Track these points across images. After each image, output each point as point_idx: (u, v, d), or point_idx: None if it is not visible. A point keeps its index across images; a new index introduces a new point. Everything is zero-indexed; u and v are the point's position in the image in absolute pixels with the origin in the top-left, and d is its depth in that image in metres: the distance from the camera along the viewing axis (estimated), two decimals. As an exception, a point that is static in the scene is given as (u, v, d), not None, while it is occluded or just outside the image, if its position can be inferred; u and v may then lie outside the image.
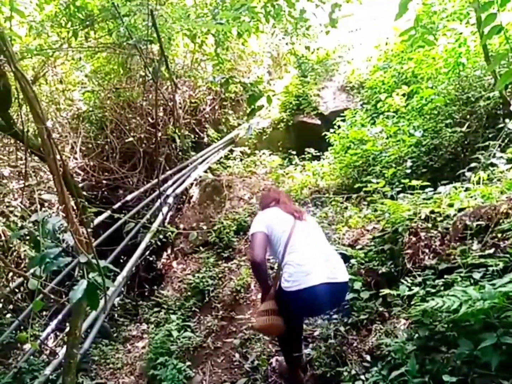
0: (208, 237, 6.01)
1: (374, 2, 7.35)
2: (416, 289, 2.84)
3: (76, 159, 6.48)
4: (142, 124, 7.33)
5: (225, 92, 6.03)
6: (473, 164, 3.59)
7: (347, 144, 5.23)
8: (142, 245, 5.82)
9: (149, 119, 7.50)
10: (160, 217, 6.28)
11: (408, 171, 3.99)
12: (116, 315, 5.68)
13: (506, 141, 3.62)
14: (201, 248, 5.94)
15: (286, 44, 8.16)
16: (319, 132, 6.57)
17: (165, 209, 6.45)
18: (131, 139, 6.65)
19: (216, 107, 8.20)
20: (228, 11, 4.54)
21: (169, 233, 6.47)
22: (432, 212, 3.16)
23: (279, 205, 2.89)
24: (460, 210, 2.96)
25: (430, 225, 3.10)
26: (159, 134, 7.39)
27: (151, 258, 6.57)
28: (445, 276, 2.82)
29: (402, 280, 2.98)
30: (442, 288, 2.76)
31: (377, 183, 3.87)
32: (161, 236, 6.36)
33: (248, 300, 4.42)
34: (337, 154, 5.40)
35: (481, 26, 2.01)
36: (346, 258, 3.33)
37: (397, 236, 3.26)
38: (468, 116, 3.92)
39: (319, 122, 6.96)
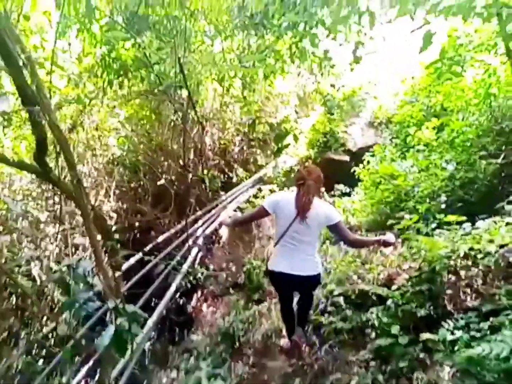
0: (238, 278, 5.91)
1: (398, 37, 7.44)
2: (459, 333, 2.64)
3: (110, 202, 6.66)
4: (174, 167, 7.52)
5: (252, 133, 6.12)
6: (511, 197, 3.40)
7: (378, 180, 5.12)
8: (172, 288, 5.78)
9: (180, 161, 7.70)
10: (190, 259, 6.27)
11: (443, 206, 3.82)
12: (146, 361, 5.58)
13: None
14: (231, 290, 5.84)
15: (312, 83, 8.32)
16: (348, 169, 6.50)
17: (194, 250, 6.44)
18: (163, 181, 6.79)
19: (245, 148, 8.33)
20: (254, 54, 4.70)
21: (199, 274, 6.47)
22: (471, 249, 2.98)
23: (300, 190, 3.06)
24: (501, 246, 2.77)
25: (470, 263, 2.91)
26: (190, 175, 7.54)
27: (181, 301, 6.50)
28: (491, 319, 2.61)
29: (443, 324, 2.78)
30: (488, 332, 2.55)
31: (410, 219, 3.72)
32: (191, 278, 6.32)
33: (280, 346, 4.23)
34: (368, 190, 5.28)
35: None
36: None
37: (435, 275, 3.07)
38: (503, 147, 3.77)
39: (347, 158, 6.90)
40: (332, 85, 6.28)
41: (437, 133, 4.81)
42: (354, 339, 3.51)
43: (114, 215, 7.00)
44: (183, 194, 7.53)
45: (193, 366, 4.67)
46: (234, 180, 8.04)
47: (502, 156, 3.62)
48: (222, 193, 7.60)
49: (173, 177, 7.44)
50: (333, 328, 3.63)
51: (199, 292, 6.55)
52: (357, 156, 6.64)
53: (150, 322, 5.19)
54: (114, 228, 6.83)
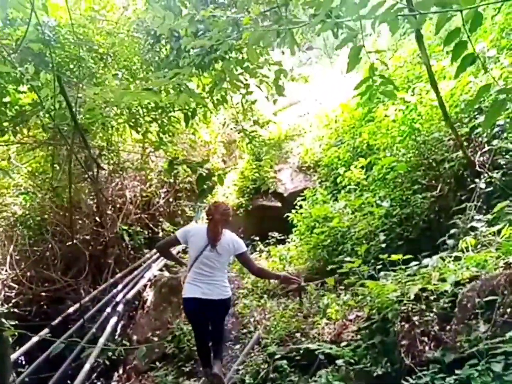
0: (166, 348, 5.11)
1: (320, 86, 7.63)
2: (424, 394, 2.21)
3: (7, 270, 5.61)
4: (88, 225, 6.69)
5: (167, 177, 5.52)
6: (452, 230, 3.22)
7: (312, 224, 4.83)
8: (86, 368, 4.80)
9: (96, 218, 6.90)
10: (108, 330, 5.36)
11: (383, 245, 3.56)
12: None
13: (480, 202, 3.32)
14: (157, 363, 4.99)
15: (238, 132, 8.16)
16: (280, 214, 6.19)
17: (113, 320, 5.55)
18: (74, 241, 5.93)
19: (171, 199, 7.76)
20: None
21: (119, 349, 5.54)
22: (423, 290, 2.66)
23: (210, 223, 3.38)
24: (456, 284, 2.48)
25: (423, 307, 2.57)
26: (107, 233, 6.74)
27: (99, 383, 5.47)
28: (456, 372, 2.23)
29: (404, 383, 2.35)
30: (456, 389, 2.16)
31: (352, 262, 3.38)
32: (109, 354, 5.38)
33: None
34: (303, 236, 4.95)
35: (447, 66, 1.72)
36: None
37: (387, 324, 2.69)
38: (434, 181, 3.68)
39: (279, 204, 6.63)
40: (256, 122, 6.05)
41: (366, 172, 4.71)
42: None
43: (15, 285, 5.91)
44: (99, 255, 6.67)
45: None
46: (161, 234, 7.35)
47: (437, 190, 3.50)
48: (146, 250, 6.85)
49: (87, 237, 6.59)
50: (278, 400, 3.06)
51: (121, 370, 5.58)
52: (288, 201, 6.39)
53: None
54: (14, 301, 5.74)
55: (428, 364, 2.42)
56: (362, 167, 4.70)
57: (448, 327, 2.47)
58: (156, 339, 5.35)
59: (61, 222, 6.49)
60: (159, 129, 4.40)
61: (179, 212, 7.73)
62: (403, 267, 2.87)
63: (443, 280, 2.57)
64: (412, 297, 2.68)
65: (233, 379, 3.87)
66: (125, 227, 6.62)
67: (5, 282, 5.67)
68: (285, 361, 3.34)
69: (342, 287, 3.84)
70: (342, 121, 5.96)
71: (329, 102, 7.29)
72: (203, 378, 3.87)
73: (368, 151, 4.96)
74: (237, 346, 4.38)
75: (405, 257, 2.85)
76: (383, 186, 4.07)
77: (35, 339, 5.17)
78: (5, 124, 4.40)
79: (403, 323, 2.66)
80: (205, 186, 3.30)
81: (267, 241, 6.24)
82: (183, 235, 3.41)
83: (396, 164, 3.86)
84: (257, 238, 6.42)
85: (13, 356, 5.03)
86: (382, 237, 3.56)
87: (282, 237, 6.09)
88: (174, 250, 3.96)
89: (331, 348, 2.87)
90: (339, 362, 2.84)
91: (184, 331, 5.04)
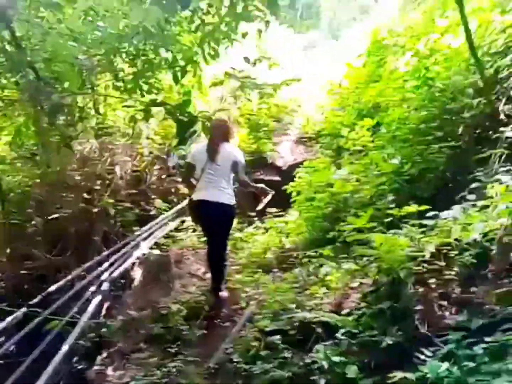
0: (153, 329, 4.67)
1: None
2: (444, 366, 1.75)
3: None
4: (74, 200, 6.25)
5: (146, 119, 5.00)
6: (474, 185, 2.74)
7: (311, 193, 4.36)
8: (63, 349, 4.37)
9: (83, 194, 6.46)
10: (90, 310, 4.93)
11: (391, 206, 3.07)
12: None
13: (505, 153, 2.84)
14: (143, 345, 4.55)
15: (237, 107, 7.69)
16: (279, 189, 5.72)
17: (97, 299, 5.12)
18: (55, 215, 5.50)
19: (163, 176, 7.30)
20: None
21: (104, 330, 5.12)
22: (440, 246, 2.19)
23: (209, 139, 3.77)
24: (484, 236, 2.01)
25: (442, 264, 2.11)
26: (95, 210, 6.31)
27: (81, 366, 5.05)
28: (486, 339, 1.78)
29: (419, 355, 1.90)
30: (486, 359, 1.70)
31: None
32: (92, 335, 4.96)
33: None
34: (301, 206, 4.48)
35: None
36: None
37: (397, 287, 2.23)
38: (451, 133, 3.19)
39: (277, 178, 6.16)
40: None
41: (372, 135, 4.22)
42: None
43: (-7, 262, 5.51)
44: (86, 232, 6.25)
45: None
46: (153, 213, 6.89)
47: (456, 141, 3.01)
48: (136, 228, 6.40)
49: (73, 213, 6.16)
50: (269, 380, 2.60)
51: (104, 353, 5.16)
52: (287, 175, 5.91)
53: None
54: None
55: (448, 332, 1.96)
56: (368, 129, 4.21)
57: (474, 287, 2.01)
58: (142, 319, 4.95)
59: (44, 196, 6.07)
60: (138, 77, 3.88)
61: (173, 190, 7.27)
62: (416, 222, 2.39)
63: (466, 231, 2.10)
64: (427, 255, 2.22)
65: (220, 359, 3.45)
66: (110, 200, 6.15)
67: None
68: (277, 337, 2.90)
69: (344, 256, 3.38)
70: (347, 84, 5.44)
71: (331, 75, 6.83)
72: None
73: (375, 113, 4.46)
74: (227, 324, 3.95)
75: (421, 208, 2.37)
76: (392, 143, 3.59)
77: (10, 318, 4.77)
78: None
79: (417, 286, 2.20)
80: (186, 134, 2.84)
81: (264, 217, 5.79)
82: (191, 157, 4.01)
83: (408, 115, 3.36)
84: (254, 214, 5.98)
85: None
86: (390, 197, 3.08)
87: (281, 213, 5.64)
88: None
89: (331, 318, 2.41)
90: (340, 334, 2.39)
91: (172, 311, 4.62)
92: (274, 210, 5.71)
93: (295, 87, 7.25)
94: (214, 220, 3.78)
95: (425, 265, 2.21)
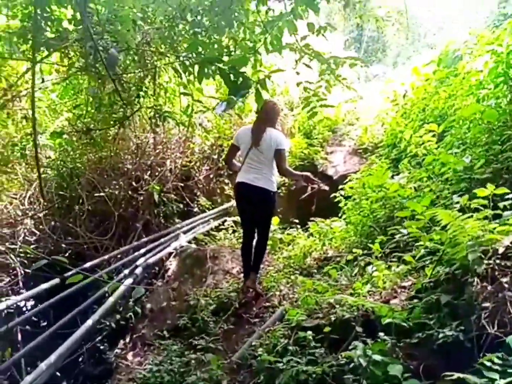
0: (179, 320, 4.51)
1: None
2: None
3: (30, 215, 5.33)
4: (123, 186, 6.34)
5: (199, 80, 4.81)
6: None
7: (363, 196, 4.06)
8: (87, 324, 4.28)
9: (132, 182, 6.55)
10: (120, 290, 4.85)
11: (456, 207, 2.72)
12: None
13: None
14: (167, 334, 4.39)
15: (293, 115, 7.60)
16: (327, 199, 5.44)
17: (128, 281, 5.03)
18: (102, 194, 5.56)
19: (211, 176, 7.26)
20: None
21: (130, 314, 5.02)
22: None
23: (255, 122, 3.83)
24: None
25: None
26: (140, 198, 6.35)
27: (102, 347, 4.95)
28: None
29: (483, 361, 1.56)
30: None
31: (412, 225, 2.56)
32: (118, 316, 4.87)
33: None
34: (350, 211, 4.18)
35: None
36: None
37: (461, 281, 1.89)
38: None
39: (326, 187, 5.86)
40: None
41: (438, 142, 3.87)
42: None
43: (36, 231, 5.63)
44: (129, 218, 6.28)
45: None
46: (196, 209, 6.84)
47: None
48: (178, 220, 6.36)
49: (120, 198, 6.23)
50: (293, 375, 2.30)
51: (127, 337, 5.03)
52: (337, 185, 5.61)
53: (43, 365, 3.70)
54: (32, 246, 5.43)
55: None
56: (433, 135, 3.88)
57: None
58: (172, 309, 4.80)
59: (96, 178, 6.20)
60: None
61: (218, 190, 7.21)
62: (487, 212, 2.05)
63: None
64: (501, 250, 1.88)
65: (243, 353, 3.18)
66: (156, 186, 6.14)
67: (26, 225, 5.39)
68: (309, 332, 2.60)
69: (394, 260, 3.04)
70: (412, 94, 5.12)
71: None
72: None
73: (441, 122, 4.12)
74: (256, 320, 3.68)
75: (502, 190, 2.02)
76: (462, 143, 3.24)
77: (44, 286, 4.80)
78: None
79: (484, 283, 1.86)
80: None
81: (307, 227, 5.51)
82: (235, 139, 3.91)
83: (481, 115, 3.01)
84: (297, 221, 5.72)
85: (17, 299, 4.69)
86: (456, 198, 2.73)
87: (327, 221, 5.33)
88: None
89: (377, 307, 2.09)
90: (383, 328, 2.07)
91: (201, 304, 4.43)
92: (318, 219, 5.44)
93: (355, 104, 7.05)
94: (251, 204, 3.72)
95: (497, 260, 1.86)
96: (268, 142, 3.63)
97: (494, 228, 1.92)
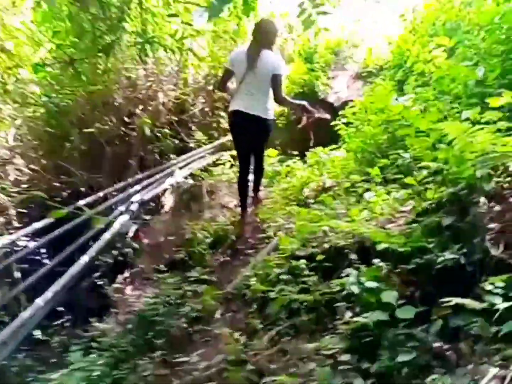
0: (176, 254, 4.46)
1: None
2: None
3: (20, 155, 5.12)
4: (115, 122, 6.05)
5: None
6: None
7: (364, 122, 3.77)
8: (83, 260, 4.26)
9: (124, 117, 6.25)
10: (116, 226, 4.78)
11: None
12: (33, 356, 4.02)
13: None
14: (164, 268, 4.35)
15: (292, 39, 7.02)
16: (328, 129, 5.14)
17: (124, 218, 4.95)
18: (93, 131, 5.31)
19: (207, 109, 6.91)
20: None
21: (128, 249, 5.00)
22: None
23: (251, 42, 3.45)
24: None
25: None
26: (134, 133, 6.09)
27: (101, 282, 4.98)
28: None
29: (484, 286, 1.39)
30: None
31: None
32: (115, 253, 4.84)
33: (207, 335, 2.77)
34: (351, 137, 3.92)
35: None
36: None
37: (466, 200, 1.69)
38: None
39: (327, 116, 5.54)
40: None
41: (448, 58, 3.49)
42: (317, 320, 2.10)
43: (28, 171, 5.48)
44: (123, 155, 6.07)
45: (90, 363, 3.20)
46: (192, 145, 6.59)
47: None
48: (173, 156, 6.14)
49: (112, 133, 5.98)
50: (286, 303, 2.21)
51: (126, 272, 5.06)
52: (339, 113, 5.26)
53: (40, 301, 3.72)
54: (24, 186, 5.31)
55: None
56: (444, 50, 3.49)
57: None
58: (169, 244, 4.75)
59: (86, 114, 5.92)
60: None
61: (215, 124, 6.89)
62: (504, 125, 1.79)
63: None
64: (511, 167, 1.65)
65: (238, 284, 3.11)
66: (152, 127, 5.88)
67: (16, 165, 5.22)
68: (303, 261, 2.47)
69: (395, 186, 2.84)
70: (423, 7, 4.59)
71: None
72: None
73: (454, 35, 3.69)
74: (250, 252, 3.59)
75: None
76: (474, 57, 2.89)
77: (39, 224, 4.74)
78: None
79: (492, 203, 1.65)
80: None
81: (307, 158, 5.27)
82: (229, 61, 3.62)
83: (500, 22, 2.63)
84: (296, 153, 5.48)
85: (11, 237, 4.65)
86: (466, 114, 2.45)
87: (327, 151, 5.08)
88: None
89: (374, 232, 1.92)
90: (379, 261, 1.91)
91: (198, 238, 4.35)
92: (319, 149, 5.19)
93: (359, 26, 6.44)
94: (246, 134, 3.54)
95: (508, 178, 1.65)
96: (265, 65, 3.36)
97: (507, 143, 1.67)
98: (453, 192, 1.71)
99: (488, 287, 1.38)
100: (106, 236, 4.63)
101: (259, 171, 3.95)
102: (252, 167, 3.96)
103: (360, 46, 5.97)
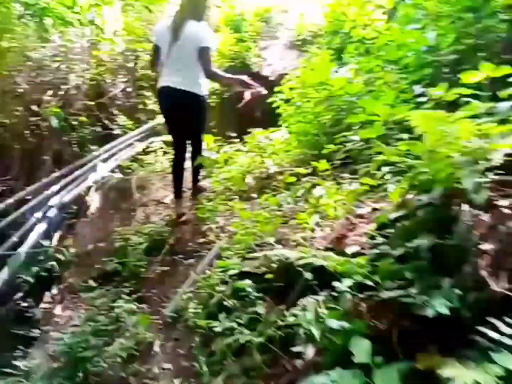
0: (107, 264, 3.90)
1: None
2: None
3: None
4: (22, 112, 5.17)
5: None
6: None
7: (304, 100, 3.36)
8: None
9: (32, 106, 5.36)
10: (32, 238, 4.09)
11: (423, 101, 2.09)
12: None
13: None
14: (94, 282, 3.78)
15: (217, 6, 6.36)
16: (266, 104, 4.68)
17: (41, 227, 4.25)
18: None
19: (130, 89, 6.16)
20: None
21: (53, 263, 4.35)
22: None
23: (175, 12, 3.22)
24: None
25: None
26: (44, 124, 5.25)
27: (25, 304, 4.31)
28: None
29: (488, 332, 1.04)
30: None
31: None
32: (36, 269, 4.17)
33: (145, 378, 2.31)
34: (291, 117, 3.50)
35: None
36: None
37: (447, 212, 1.34)
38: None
39: (265, 91, 5.08)
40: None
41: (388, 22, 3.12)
42: (273, 361, 1.72)
43: None
44: (35, 150, 5.25)
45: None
46: (116, 132, 5.86)
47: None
48: (94, 147, 5.41)
49: (19, 126, 5.11)
50: (232, 345, 1.80)
51: (54, 289, 4.43)
52: (276, 87, 4.81)
53: None
54: None
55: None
56: (383, 13, 3.11)
57: None
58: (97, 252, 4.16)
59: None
60: None
61: (141, 106, 6.18)
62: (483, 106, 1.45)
63: None
64: (499, 156, 1.31)
65: (177, 307, 2.66)
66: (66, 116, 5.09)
67: None
68: (248, 282, 2.06)
69: (347, 175, 2.48)
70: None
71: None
72: None
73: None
74: (191, 261, 3.13)
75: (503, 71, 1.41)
76: (421, 20, 2.54)
77: None
78: None
79: (476, 211, 1.31)
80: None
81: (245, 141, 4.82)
82: (153, 36, 3.45)
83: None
84: (235, 135, 4.99)
85: None
86: (419, 89, 2.11)
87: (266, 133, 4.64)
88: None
89: (329, 260, 1.54)
90: (340, 284, 1.53)
91: (132, 243, 3.81)
92: (259, 130, 4.73)
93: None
94: (178, 112, 3.22)
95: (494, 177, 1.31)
96: (189, 36, 3.07)
97: (489, 131, 1.32)
98: (428, 202, 1.35)
99: (493, 334, 1.05)
100: (22, 250, 3.96)
101: (197, 157, 3.55)
102: (189, 153, 3.61)
103: (291, 10, 5.47)
